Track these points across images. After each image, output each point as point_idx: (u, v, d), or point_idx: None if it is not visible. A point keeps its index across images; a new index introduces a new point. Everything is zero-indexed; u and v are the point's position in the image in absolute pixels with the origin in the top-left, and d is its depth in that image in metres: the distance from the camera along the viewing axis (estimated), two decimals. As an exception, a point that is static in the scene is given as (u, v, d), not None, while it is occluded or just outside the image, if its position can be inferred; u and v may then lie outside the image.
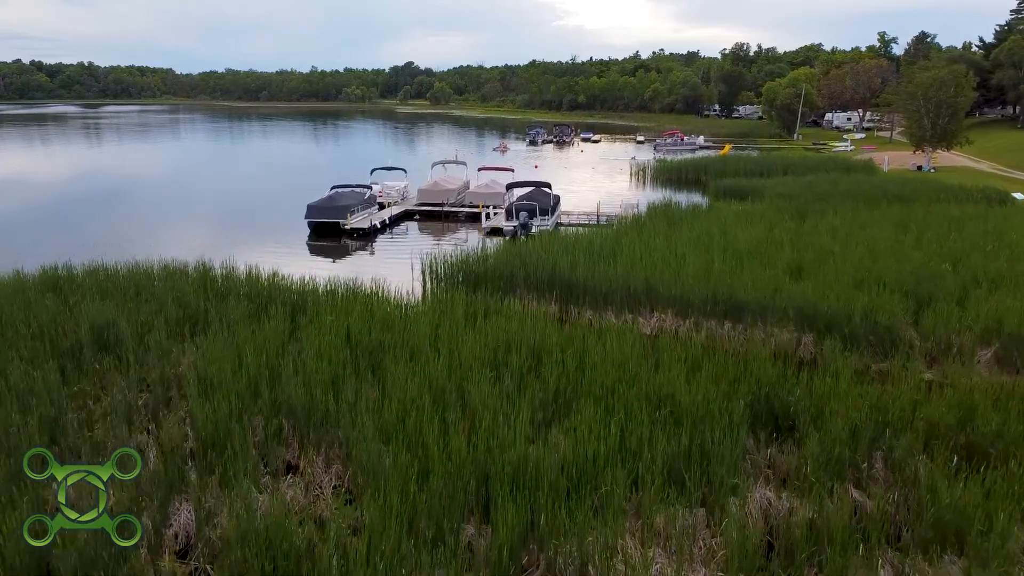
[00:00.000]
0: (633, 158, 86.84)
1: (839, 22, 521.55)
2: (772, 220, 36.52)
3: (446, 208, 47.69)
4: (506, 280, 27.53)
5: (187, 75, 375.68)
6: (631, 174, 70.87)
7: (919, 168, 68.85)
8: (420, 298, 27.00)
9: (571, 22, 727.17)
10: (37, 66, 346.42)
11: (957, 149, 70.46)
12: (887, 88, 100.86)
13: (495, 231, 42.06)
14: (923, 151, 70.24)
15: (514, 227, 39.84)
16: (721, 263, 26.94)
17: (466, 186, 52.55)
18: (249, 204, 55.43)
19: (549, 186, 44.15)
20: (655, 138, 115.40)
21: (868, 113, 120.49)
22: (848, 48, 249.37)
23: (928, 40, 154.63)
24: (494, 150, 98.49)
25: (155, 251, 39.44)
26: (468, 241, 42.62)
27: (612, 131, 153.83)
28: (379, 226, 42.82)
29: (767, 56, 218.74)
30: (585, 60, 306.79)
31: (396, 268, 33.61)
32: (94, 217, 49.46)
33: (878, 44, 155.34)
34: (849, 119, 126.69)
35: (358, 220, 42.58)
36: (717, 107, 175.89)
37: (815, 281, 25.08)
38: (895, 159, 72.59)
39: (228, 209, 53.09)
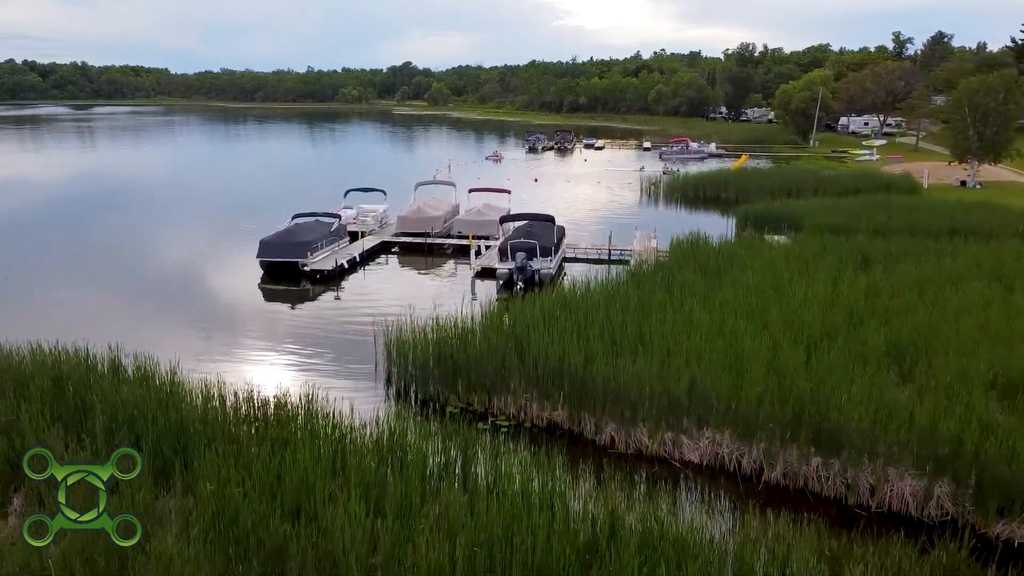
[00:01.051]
0: (642, 169, 79.19)
1: (839, 22, 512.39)
2: (832, 268, 29.03)
3: (429, 240, 40.12)
4: (496, 370, 20.06)
5: (183, 75, 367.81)
6: (641, 189, 63.31)
7: (963, 184, 61.34)
8: (373, 407, 19.55)
9: (571, 22, 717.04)
10: (30, 66, 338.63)
11: (1007, 163, 62.92)
12: (913, 92, 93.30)
13: (487, 272, 34.54)
14: (965, 164, 62.71)
15: (509, 271, 32.32)
16: (790, 351, 19.42)
17: (455, 211, 44.90)
18: (215, 227, 47.94)
19: (552, 220, 36.36)
20: (662, 144, 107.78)
21: (887, 117, 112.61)
22: (856, 48, 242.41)
23: (945, 40, 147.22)
24: (487, 159, 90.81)
25: (89, 288, 32.39)
26: (456, 277, 35.25)
27: (615, 135, 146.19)
28: (347, 266, 35.17)
29: (773, 56, 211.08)
30: (585, 60, 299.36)
31: (355, 331, 26.11)
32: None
33: (892, 44, 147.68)
34: (866, 123, 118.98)
35: (321, 259, 35.02)
36: (724, 110, 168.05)
37: (932, 386, 17.60)
38: (933, 172, 65.00)
39: (189, 234, 45.59)
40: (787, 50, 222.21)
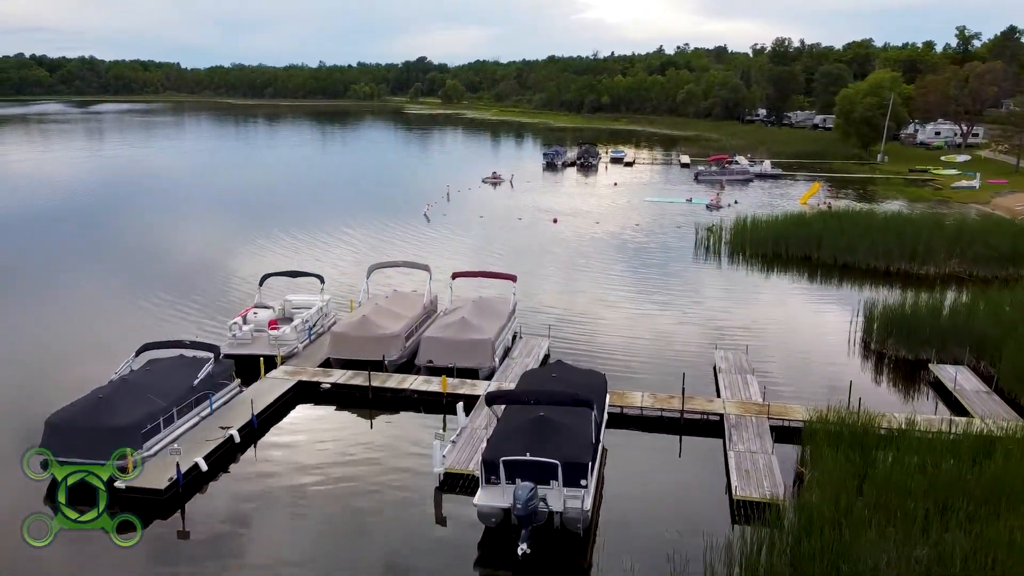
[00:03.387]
0: (689, 200, 62.29)
1: (868, 15, 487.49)
2: None
3: (377, 383, 23.58)
4: None
5: (193, 70, 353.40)
6: (696, 242, 46.46)
7: None
8: None
9: (590, 15, 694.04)
10: (38, 61, 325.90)
11: None
12: (1015, 100, 75.40)
13: (453, 483, 18.21)
14: None
15: (502, 512, 15.98)
16: None
17: (426, 315, 28.18)
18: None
19: (589, 404, 17.90)
20: (700, 162, 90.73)
21: (971, 128, 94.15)
22: (899, 44, 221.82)
23: (1017, 35, 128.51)
24: (484, 181, 73.81)
25: None
26: (414, 486, 18.76)
27: (641, 140, 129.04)
28: (205, 467, 18.81)
29: (811, 52, 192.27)
30: (607, 55, 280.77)
31: None
32: None
33: (956, 41, 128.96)
34: (938, 133, 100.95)
35: (157, 451, 18.72)
36: (763, 112, 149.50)
37: None
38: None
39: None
40: (817, 45, 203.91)
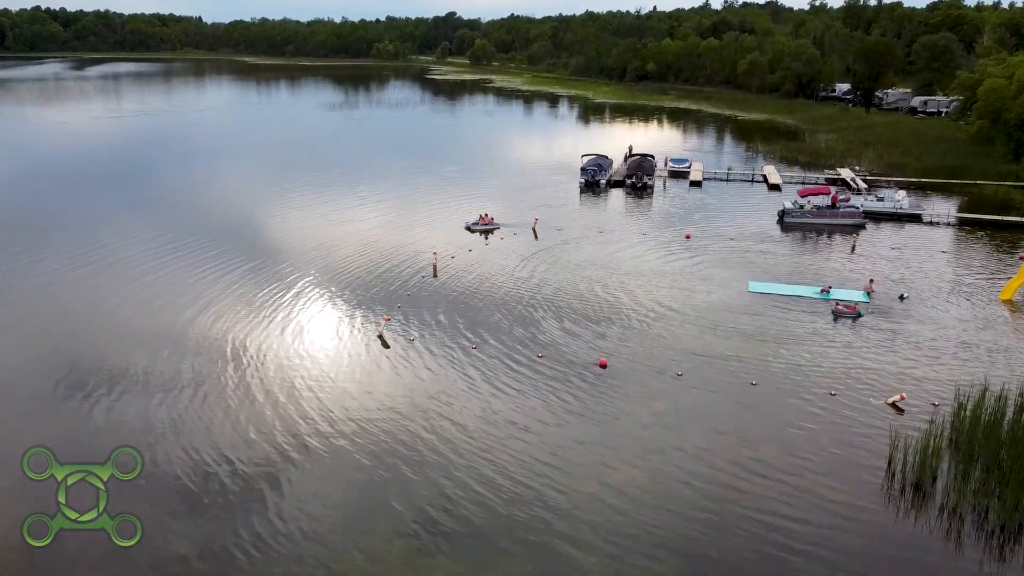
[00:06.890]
0: (825, 291, 37.55)
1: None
2: None
3: None
4: None
5: (214, 24, 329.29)
6: (892, 467, 22.48)
7: None
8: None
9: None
10: (53, 15, 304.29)
11: None
12: None
13: None
14: None
15: None
16: None
17: None
18: None
19: None
20: (794, 179, 65.81)
21: None
22: (990, 2, 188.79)
23: None
24: (471, 229, 49.06)
25: None
26: None
27: (692, 123, 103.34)
28: None
29: (891, 14, 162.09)
30: (649, 10, 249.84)
31: None
32: None
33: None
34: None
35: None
36: (844, 89, 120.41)
37: None
38: None
39: None
40: (899, 4, 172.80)
